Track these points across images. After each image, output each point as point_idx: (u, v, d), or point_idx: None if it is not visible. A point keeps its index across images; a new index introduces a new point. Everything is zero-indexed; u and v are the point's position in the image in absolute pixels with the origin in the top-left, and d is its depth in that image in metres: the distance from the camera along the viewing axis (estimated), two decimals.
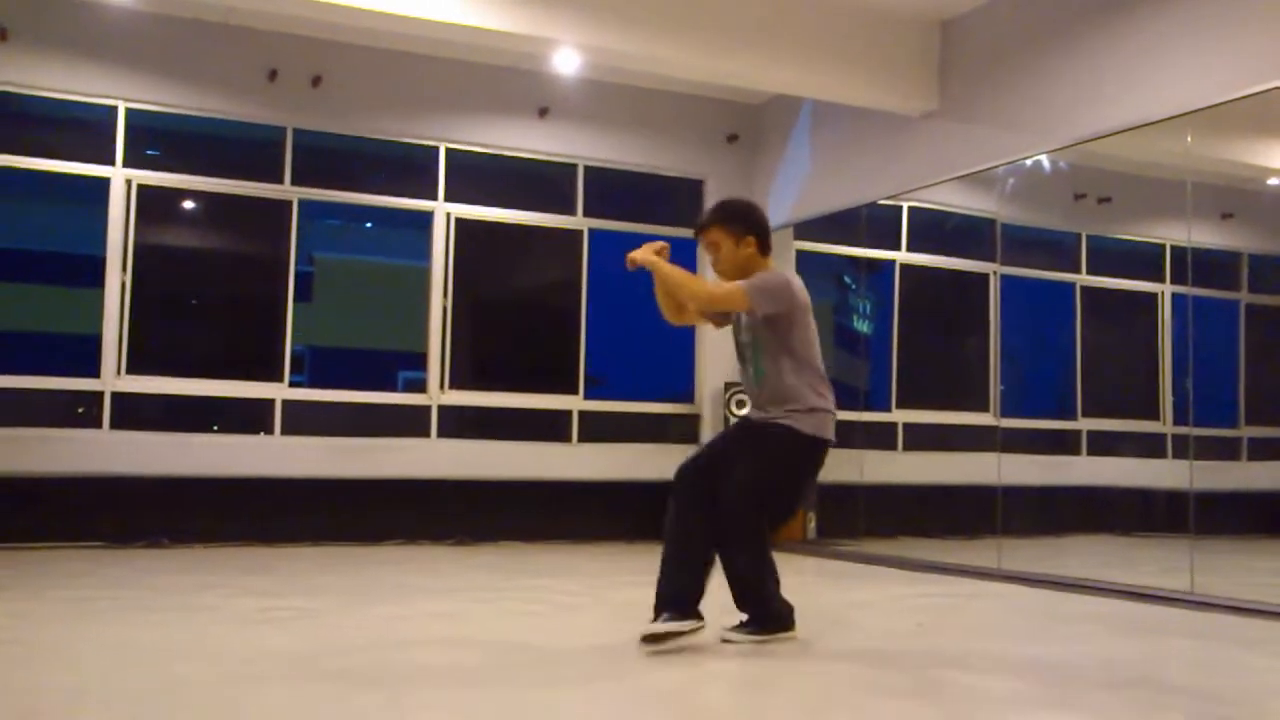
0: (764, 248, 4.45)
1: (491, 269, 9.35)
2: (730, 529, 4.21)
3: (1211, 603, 5.57)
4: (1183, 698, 3.59)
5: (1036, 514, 7.74)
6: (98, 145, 7.82)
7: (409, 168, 8.78)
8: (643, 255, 4.38)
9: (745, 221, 4.43)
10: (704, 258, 9.40)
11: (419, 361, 8.74)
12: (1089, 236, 8.28)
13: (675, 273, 4.37)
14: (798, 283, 4.38)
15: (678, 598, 4.08)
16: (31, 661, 3.73)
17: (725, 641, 4.19)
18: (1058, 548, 7.84)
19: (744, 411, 4.52)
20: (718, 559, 4.21)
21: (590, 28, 6.95)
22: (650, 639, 3.99)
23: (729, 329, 4.55)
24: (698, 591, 4.13)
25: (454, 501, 8.56)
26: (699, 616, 4.08)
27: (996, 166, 7.29)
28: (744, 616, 4.27)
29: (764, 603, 4.25)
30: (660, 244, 4.43)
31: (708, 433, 9.36)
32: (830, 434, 4.31)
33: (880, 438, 8.57)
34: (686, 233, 9.46)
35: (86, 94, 7.78)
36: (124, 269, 7.83)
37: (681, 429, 9.45)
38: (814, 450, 4.30)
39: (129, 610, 4.95)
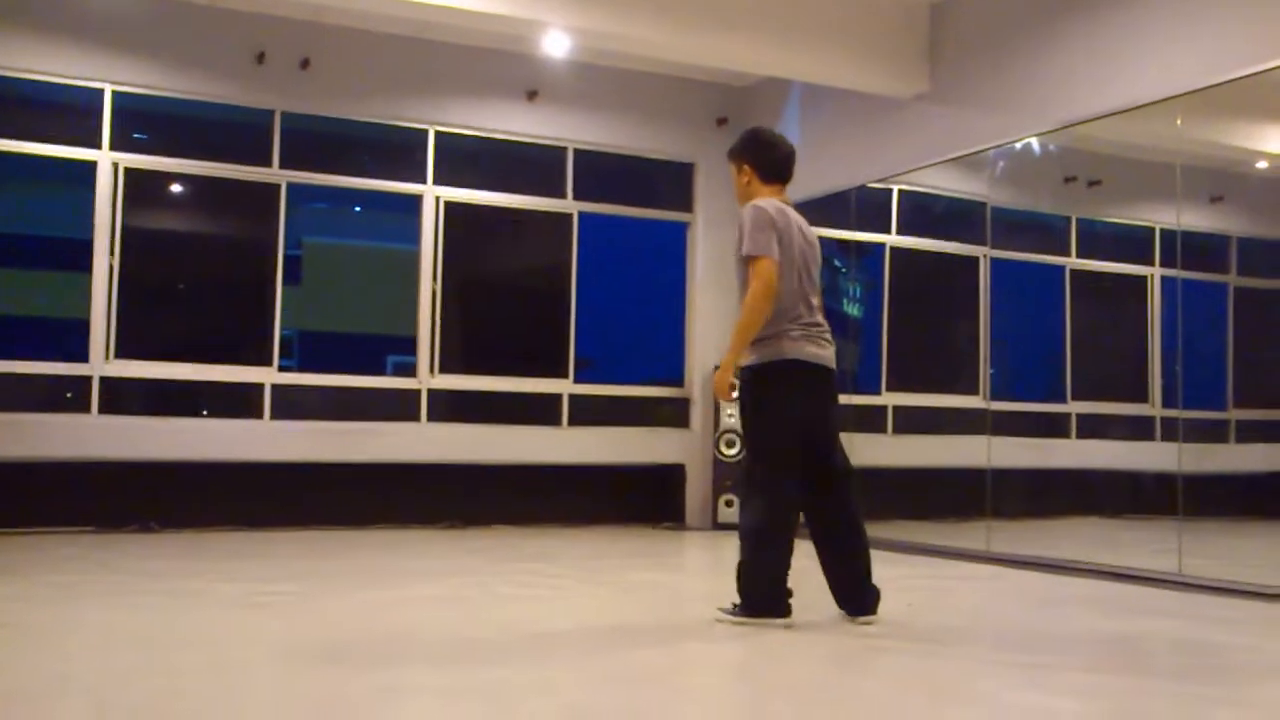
0: (764, 174, 4.45)
1: (481, 253, 9.33)
2: (739, 491, 4.36)
3: (1199, 584, 5.60)
4: (1166, 679, 3.61)
5: (1026, 496, 7.75)
6: (84, 128, 7.76)
7: (398, 151, 8.74)
8: (723, 382, 4.29)
9: (739, 151, 4.56)
10: (693, 238, 9.42)
11: (408, 345, 8.72)
12: (1079, 219, 8.27)
13: (739, 335, 4.25)
14: (776, 211, 4.29)
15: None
16: (20, 645, 3.73)
17: (716, 621, 4.21)
18: (1047, 530, 7.86)
19: None
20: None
21: (579, 10, 6.92)
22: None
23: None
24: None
25: (444, 486, 8.55)
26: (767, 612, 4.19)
27: (987, 149, 7.29)
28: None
29: (750, 580, 4.22)
30: (723, 379, 4.31)
31: (698, 416, 9.37)
32: (789, 354, 4.20)
33: (870, 421, 8.57)
34: (675, 216, 9.59)
35: (73, 77, 7.72)
36: (112, 253, 7.79)
37: (672, 412, 9.46)
38: (770, 376, 4.23)
39: (118, 595, 4.95)
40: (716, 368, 4.40)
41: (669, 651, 3.84)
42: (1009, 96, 7.09)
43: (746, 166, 4.49)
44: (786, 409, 4.24)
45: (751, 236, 4.22)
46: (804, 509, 4.37)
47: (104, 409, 7.67)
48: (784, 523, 4.20)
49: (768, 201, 4.34)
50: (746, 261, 4.24)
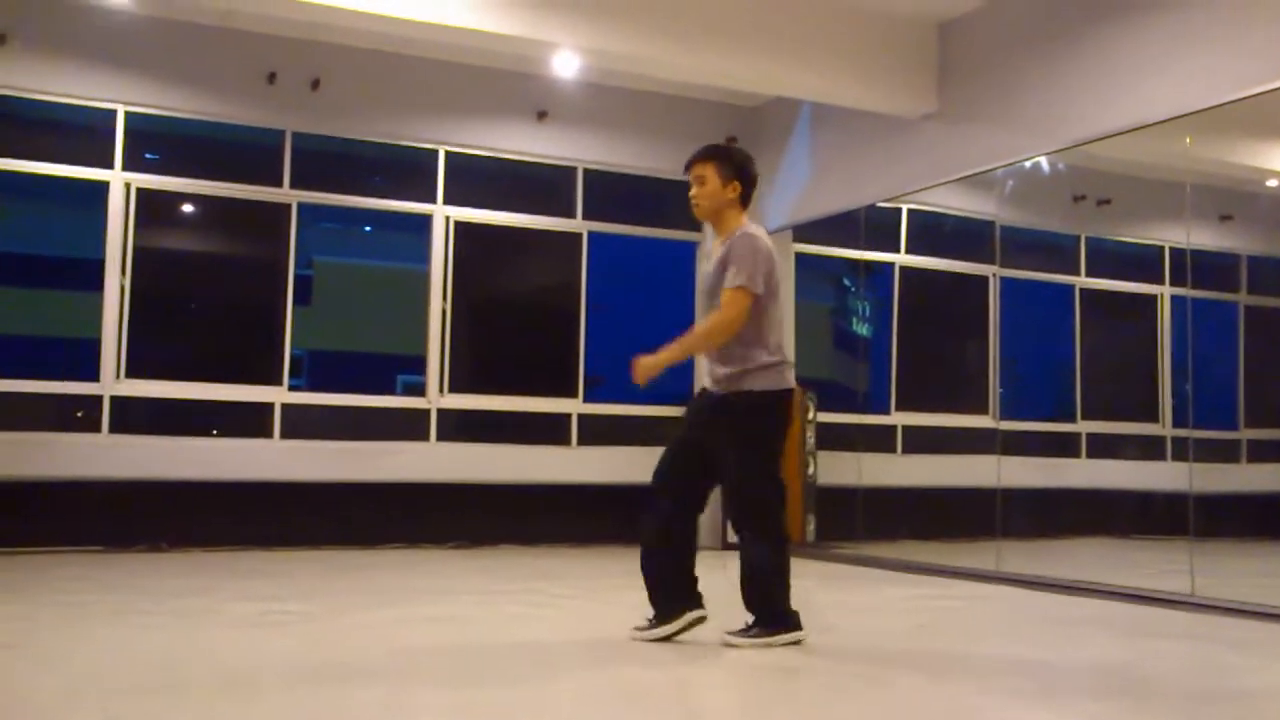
0: (745, 199, 4.51)
1: (490, 272, 9.35)
2: (746, 519, 4.31)
3: (1211, 605, 5.56)
4: (1175, 700, 3.59)
5: (1036, 516, 7.73)
6: (97, 149, 7.82)
7: (408, 171, 8.78)
8: (649, 367, 4.31)
9: (738, 168, 4.51)
10: (702, 257, 9.42)
11: (418, 365, 8.73)
12: (1088, 238, 8.27)
13: (691, 341, 4.35)
14: (769, 243, 4.40)
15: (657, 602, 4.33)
16: (30, 665, 3.73)
17: (727, 645, 4.19)
18: (1057, 550, 7.83)
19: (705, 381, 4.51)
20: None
21: (589, 30, 6.95)
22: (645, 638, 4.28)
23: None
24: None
25: (453, 505, 8.55)
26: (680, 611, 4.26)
27: (996, 168, 7.29)
28: (750, 619, 4.26)
29: (770, 601, 4.23)
30: (651, 368, 4.34)
31: None
32: (790, 384, 4.34)
33: (879, 440, 8.56)
34: (684, 235, 9.60)
35: (85, 98, 7.77)
36: (123, 272, 7.83)
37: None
38: (779, 404, 4.32)
39: (128, 614, 4.95)
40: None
41: (674, 672, 3.82)
42: (1018, 115, 7.09)
43: (737, 184, 4.47)
44: (784, 434, 4.41)
45: (750, 270, 4.24)
46: (685, 524, 4.42)
47: (114, 428, 7.70)
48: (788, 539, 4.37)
49: (760, 231, 4.41)
50: (735, 289, 4.22)
